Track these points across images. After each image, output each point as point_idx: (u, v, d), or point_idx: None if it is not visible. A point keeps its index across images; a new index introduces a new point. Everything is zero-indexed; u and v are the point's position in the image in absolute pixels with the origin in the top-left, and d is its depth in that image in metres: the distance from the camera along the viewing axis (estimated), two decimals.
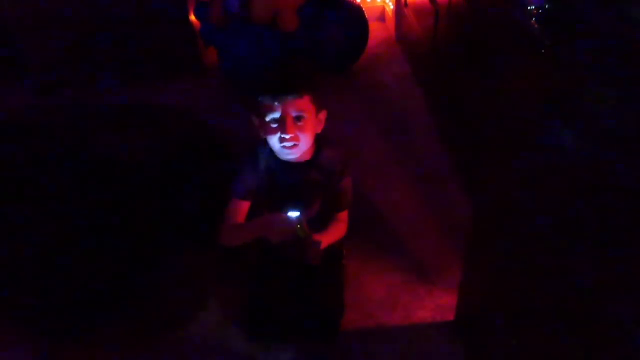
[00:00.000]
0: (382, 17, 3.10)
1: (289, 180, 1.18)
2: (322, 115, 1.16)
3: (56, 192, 1.81)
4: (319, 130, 1.16)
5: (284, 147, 1.10)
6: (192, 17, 2.49)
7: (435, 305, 1.48)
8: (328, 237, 1.22)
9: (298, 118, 1.08)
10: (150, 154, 1.96)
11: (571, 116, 0.81)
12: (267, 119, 1.09)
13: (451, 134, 2.01)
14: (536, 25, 0.88)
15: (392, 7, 2.93)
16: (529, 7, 0.86)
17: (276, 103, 1.06)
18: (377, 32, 2.86)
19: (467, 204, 1.63)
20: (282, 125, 1.06)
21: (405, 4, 2.62)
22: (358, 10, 2.50)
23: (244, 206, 1.23)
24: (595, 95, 0.75)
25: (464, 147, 1.84)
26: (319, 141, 1.21)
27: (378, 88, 2.49)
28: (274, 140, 1.11)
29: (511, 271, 1.08)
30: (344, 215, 1.28)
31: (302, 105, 1.07)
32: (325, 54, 2.44)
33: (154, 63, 2.58)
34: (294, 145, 1.10)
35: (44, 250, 1.61)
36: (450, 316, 1.43)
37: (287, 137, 1.07)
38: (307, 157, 1.19)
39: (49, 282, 1.55)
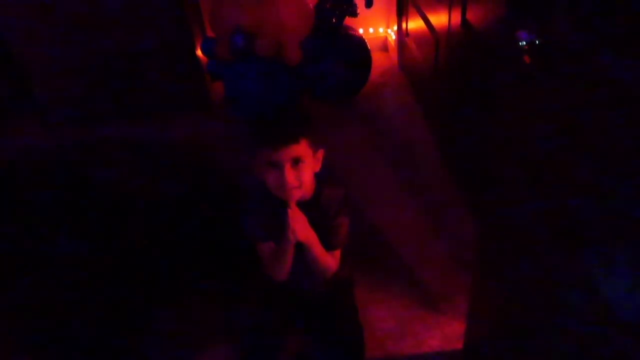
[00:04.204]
0: (384, 47, 3.18)
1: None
2: (320, 154, 1.18)
3: (56, 232, 1.83)
4: (317, 170, 1.19)
5: (284, 191, 1.12)
6: (199, 53, 2.57)
7: (444, 334, 1.49)
8: (319, 247, 1.21)
9: (296, 162, 1.10)
10: (156, 192, 2.00)
11: (571, 146, 0.84)
12: (265, 165, 1.11)
13: (456, 161, 2.05)
14: (528, 61, 0.93)
15: (394, 37, 3.02)
16: (520, 43, 0.91)
17: (273, 151, 1.08)
18: (380, 62, 2.94)
19: (473, 230, 1.65)
20: (280, 171, 1.09)
21: (407, 34, 2.69)
22: (360, 41, 2.58)
23: (272, 246, 1.25)
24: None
25: (469, 174, 1.87)
26: (319, 180, 1.23)
27: (382, 117, 2.55)
28: (274, 184, 1.13)
29: (518, 299, 1.10)
30: (335, 254, 1.28)
31: (299, 150, 1.09)
32: (329, 84, 2.51)
33: (161, 98, 2.65)
34: (295, 189, 1.12)
35: (41, 293, 1.62)
36: (459, 345, 1.44)
37: (286, 183, 1.09)
38: (307, 197, 1.22)
39: (45, 326, 1.55)
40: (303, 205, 1.18)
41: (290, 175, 1.09)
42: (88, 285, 1.64)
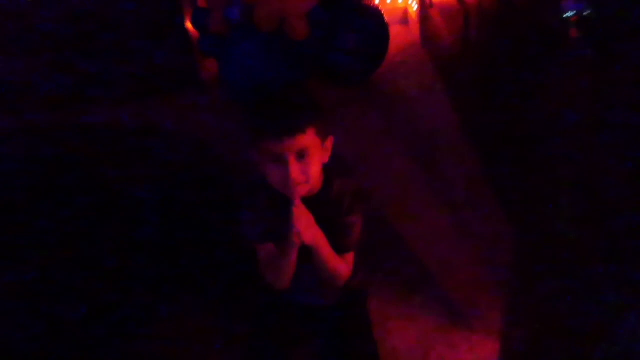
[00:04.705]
0: (404, 19, 3.16)
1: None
2: (329, 143, 1.17)
3: (39, 228, 1.87)
4: (325, 160, 1.18)
5: (288, 187, 1.11)
6: (189, 25, 2.57)
7: (474, 354, 1.48)
8: (329, 250, 1.20)
9: (302, 155, 1.09)
10: (141, 186, 2.01)
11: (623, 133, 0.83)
12: (267, 157, 1.10)
13: (489, 153, 2.04)
14: (576, 34, 0.92)
15: (415, 8, 3.00)
16: (566, 15, 0.90)
17: (275, 143, 1.07)
18: (399, 37, 2.92)
19: (508, 234, 1.64)
20: (284, 166, 1.08)
21: (431, 5, 2.67)
22: (376, 13, 2.56)
23: (272, 248, 1.24)
24: None
25: (504, 168, 1.86)
26: (328, 172, 1.22)
27: (401, 100, 2.53)
28: (276, 180, 1.12)
29: (560, 315, 1.09)
30: (348, 258, 1.26)
31: (306, 140, 1.08)
32: (341, 63, 2.50)
33: (145, 79, 2.65)
34: (301, 184, 1.11)
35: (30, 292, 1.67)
36: None
37: (291, 179, 1.08)
38: (315, 191, 1.21)
39: (39, 326, 1.60)
40: (309, 200, 1.17)
41: (295, 169, 1.08)
42: (79, 291, 1.68)
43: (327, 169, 1.21)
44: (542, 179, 1.12)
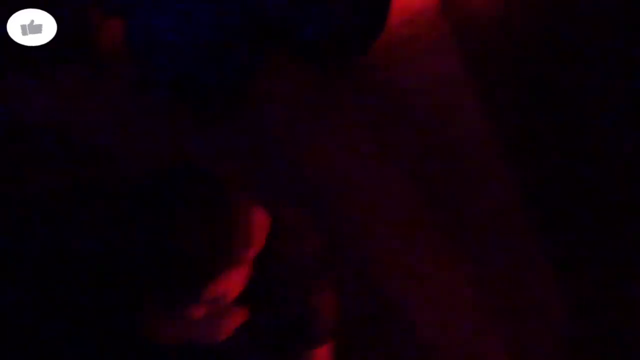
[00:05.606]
0: None
1: None
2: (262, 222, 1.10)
3: None
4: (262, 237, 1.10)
5: None
6: None
7: None
8: None
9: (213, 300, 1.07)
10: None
11: None
12: None
13: (538, 182, 2.05)
14: None
15: None
16: None
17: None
18: None
19: (571, 314, 1.67)
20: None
21: None
22: None
23: None
24: None
25: (561, 208, 1.86)
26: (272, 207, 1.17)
27: (409, 97, 2.53)
28: None
29: None
30: (321, 355, 1.30)
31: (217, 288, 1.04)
32: (318, 32, 2.49)
33: (11, 47, 2.61)
34: None
35: None
36: None
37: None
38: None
39: None
40: None
41: (198, 313, 1.06)
42: None
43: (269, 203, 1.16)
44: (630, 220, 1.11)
